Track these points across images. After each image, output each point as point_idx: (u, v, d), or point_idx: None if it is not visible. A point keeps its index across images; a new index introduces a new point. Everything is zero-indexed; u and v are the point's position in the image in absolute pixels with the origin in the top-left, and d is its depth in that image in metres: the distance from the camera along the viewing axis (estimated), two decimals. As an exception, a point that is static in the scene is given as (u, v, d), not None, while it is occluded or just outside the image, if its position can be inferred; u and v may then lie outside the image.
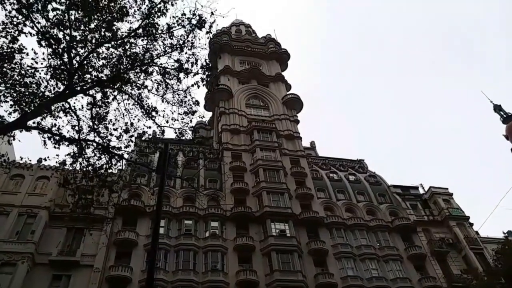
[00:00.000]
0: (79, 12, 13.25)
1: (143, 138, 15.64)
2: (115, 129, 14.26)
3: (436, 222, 40.45)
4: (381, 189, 44.87)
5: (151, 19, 14.00)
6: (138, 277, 28.85)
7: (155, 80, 14.62)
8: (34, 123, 13.05)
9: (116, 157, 13.86)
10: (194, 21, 14.21)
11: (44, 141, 13.17)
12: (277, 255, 32.98)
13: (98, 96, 14.18)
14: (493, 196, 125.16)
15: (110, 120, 14.37)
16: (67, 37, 13.12)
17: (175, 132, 14.53)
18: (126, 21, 14.08)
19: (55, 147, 13.19)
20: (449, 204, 41.89)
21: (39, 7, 12.78)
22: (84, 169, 13.74)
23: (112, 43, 13.93)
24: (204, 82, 15.01)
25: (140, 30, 14.08)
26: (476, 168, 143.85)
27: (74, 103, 15.82)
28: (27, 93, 13.40)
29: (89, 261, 29.17)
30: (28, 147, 18.87)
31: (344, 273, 33.64)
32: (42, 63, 13.43)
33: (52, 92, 13.65)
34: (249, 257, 33.46)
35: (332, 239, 36.45)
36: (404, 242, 38.00)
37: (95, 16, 13.49)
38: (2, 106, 13.67)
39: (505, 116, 51.96)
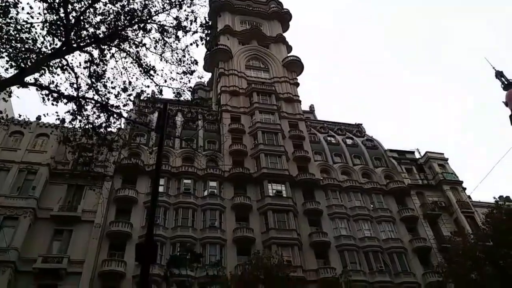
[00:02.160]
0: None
1: (142, 98, 15.63)
2: (113, 88, 14.21)
3: (430, 186, 41.25)
4: (378, 153, 45.37)
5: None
6: (138, 233, 29.72)
7: (154, 38, 14.41)
8: (31, 79, 13.00)
9: (115, 116, 13.92)
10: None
11: (43, 98, 13.17)
12: (273, 214, 33.88)
13: (96, 53, 14.03)
14: (488, 162, 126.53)
15: (108, 78, 14.29)
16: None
17: (174, 92, 14.49)
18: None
19: (53, 104, 13.20)
20: (444, 169, 42.54)
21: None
22: (84, 127, 13.83)
23: (109, -2, 13.59)
24: (204, 42, 14.79)
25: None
26: (474, 134, 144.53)
27: (72, 60, 15.64)
28: (23, 49, 13.26)
29: (90, 217, 29.96)
30: (26, 105, 18.88)
31: (337, 233, 34.71)
32: (38, 18, 13.19)
33: (49, 48, 13.50)
34: (246, 216, 34.38)
35: (327, 200, 37.29)
36: (397, 204, 38.96)
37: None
38: (-2, 62, 13.55)
39: (506, 82, 51.56)
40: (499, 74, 52.07)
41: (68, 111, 13.61)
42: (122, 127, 14.81)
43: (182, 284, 16.37)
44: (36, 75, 13.22)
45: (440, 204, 38.85)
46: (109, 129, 14.10)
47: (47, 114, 16.32)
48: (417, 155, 46.13)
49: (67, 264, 26.82)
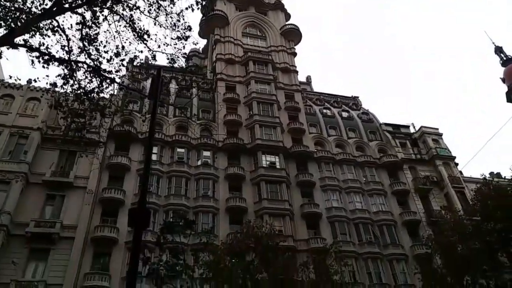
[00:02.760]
0: None
1: (135, 63, 15.21)
2: (106, 52, 13.75)
3: (423, 160, 41.58)
4: (373, 126, 45.37)
5: None
6: (131, 200, 29.79)
7: (148, 0, 13.85)
8: (21, 41, 12.51)
9: (108, 81, 13.56)
10: None
11: (32, 61, 12.72)
12: (266, 185, 34.08)
13: (88, 15, 13.48)
14: (483, 139, 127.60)
15: (101, 42, 13.81)
16: None
17: (168, 58, 14.07)
18: None
19: (43, 66, 12.77)
20: (438, 144, 42.77)
21: None
22: (75, 92, 13.47)
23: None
24: (199, 6, 14.26)
25: None
26: (469, 110, 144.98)
27: (63, 21, 15.07)
28: (12, 8, 12.69)
29: (82, 183, 29.90)
30: (16, 68, 18.33)
31: (329, 204, 35.14)
32: (26, -25, 12.53)
33: (39, 8, 12.93)
34: (239, 186, 34.55)
35: (320, 172, 37.51)
36: (390, 178, 39.36)
37: None
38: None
39: (505, 58, 51.20)
40: (498, 50, 51.65)
41: (59, 75, 13.22)
42: (115, 93, 14.44)
43: (175, 250, 16.57)
44: (26, 36, 12.74)
45: (432, 179, 39.30)
46: (101, 95, 13.78)
47: (38, 78, 15.65)
48: (412, 130, 46.24)
49: (60, 229, 26.95)
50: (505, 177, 33.63)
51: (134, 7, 13.80)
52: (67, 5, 12.92)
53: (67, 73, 13.15)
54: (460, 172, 41.03)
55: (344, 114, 46.07)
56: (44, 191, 28.91)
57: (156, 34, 14.26)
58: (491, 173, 41.29)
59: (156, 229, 27.30)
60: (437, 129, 44.88)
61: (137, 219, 6.73)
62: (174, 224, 13.62)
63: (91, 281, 25.73)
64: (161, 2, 13.81)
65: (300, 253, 29.58)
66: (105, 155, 31.62)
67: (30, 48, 12.68)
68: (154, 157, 32.49)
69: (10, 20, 12.64)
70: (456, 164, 41.50)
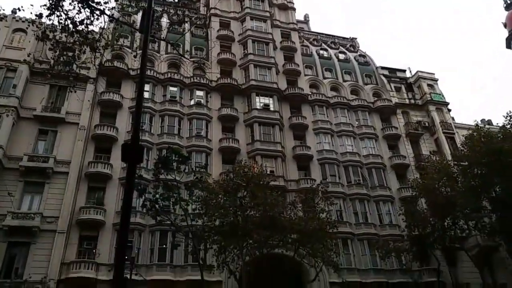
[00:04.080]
0: None
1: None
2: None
3: (416, 105, 41.62)
4: (369, 69, 44.74)
5: None
6: (124, 137, 29.80)
7: None
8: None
9: (97, 12, 12.89)
10: None
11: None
12: (259, 127, 34.16)
13: None
14: (479, 84, 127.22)
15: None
16: None
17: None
18: None
19: (27, -7, 12.04)
20: (433, 89, 42.61)
21: None
22: (63, 24, 12.84)
23: None
24: None
25: None
26: (467, 56, 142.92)
27: None
28: None
29: (74, 119, 29.67)
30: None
31: (320, 147, 35.60)
32: None
33: None
34: (232, 127, 34.60)
35: (314, 115, 37.53)
36: (382, 122, 39.56)
37: None
38: None
39: (509, 2, 49.45)
40: (503, -8, 49.76)
41: (45, 5, 12.51)
42: (105, 26, 13.80)
43: (169, 185, 16.93)
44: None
45: (424, 124, 39.61)
46: (90, 28, 13.18)
47: (22, 7, 14.66)
48: (408, 74, 45.77)
49: (54, 164, 27.15)
50: (497, 123, 34.02)
51: None
52: None
53: (52, 3, 12.45)
54: (452, 118, 41.37)
55: (341, 56, 45.16)
56: (36, 126, 28.73)
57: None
58: (483, 120, 41.75)
59: (150, 167, 27.71)
60: (433, 74, 44.47)
61: (130, 153, 6.72)
62: (169, 158, 13.73)
63: (86, 214, 26.46)
64: None
65: (290, 193, 30.44)
66: (96, 91, 31.13)
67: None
68: (146, 95, 32.08)
69: None
70: (449, 110, 41.70)
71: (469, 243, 31.32)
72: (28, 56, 25.62)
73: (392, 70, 45.83)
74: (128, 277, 19.64)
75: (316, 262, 23.17)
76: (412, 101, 42.08)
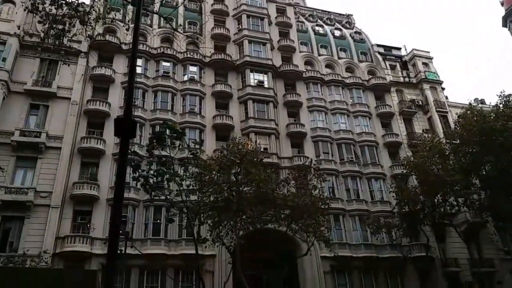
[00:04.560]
0: None
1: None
2: None
3: (410, 84, 41.62)
4: (364, 47, 44.40)
5: None
6: (116, 113, 29.51)
7: None
8: None
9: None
10: None
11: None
12: (254, 104, 34.03)
13: None
14: (474, 64, 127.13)
15: None
16: None
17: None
18: None
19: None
20: (427, 68, 42.55)
21: None
22: (52, -5, 12.47)
23: None
24: None
25: None
26: (463, 35, 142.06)
27: None
28: None
29: (66, 94, 29.31)
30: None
31: (314, 125, 35.64)
32: None
33: None
34: (226, 103, 34.42)
35: (308, 93, 37.40)
36: (376, 100, 39.61)
37: None
38: None
39: (508, -21, 48.83)
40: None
41: (32, -26, 12.12)
42: (96, -2, 13.47)
43: (163, 161, 16.91)
44: None
45: (417, 103, 39.73)
46: (81, 0, 12.85)
47: None
48: (403, 52, 45.52)
49: (46, 139, 26.97)
50: (490, 103, 34.23)
51: None
52: None
53: (40, -27, 12.06)
54: (446, 97, 41.50)
55: (337, 33, 44.65)
56: (27, 101, 28.36)
57: None
58: (476, 99, 41.94)
59: (143, 142, 27.65)
60: (428, 52, 44.32)
61: (123, 127, 6.66)
62: (164, 134, 13.63)
63: (80, 189, 26.50)
64: None
65: (283, 170, 30.66)
66: (88, 66, 30.64)
67: None
68: (138, 70, 31.66)
69: None
70: (443, 89, 41.78)
71: (458, 219, 32.06)
72: (18, 28, 25.04)
73: (388, 48, 45.55)
74: (123, 251, 19.90)
75: (308, 237, 23.59)
76: (407, 79, 42.05)
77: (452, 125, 34.51)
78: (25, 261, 21.42)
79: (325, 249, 27.35)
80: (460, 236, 30.22)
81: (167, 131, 13.73)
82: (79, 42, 27.65)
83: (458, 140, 29.34)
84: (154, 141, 13.28)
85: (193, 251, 20.75)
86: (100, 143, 28.42)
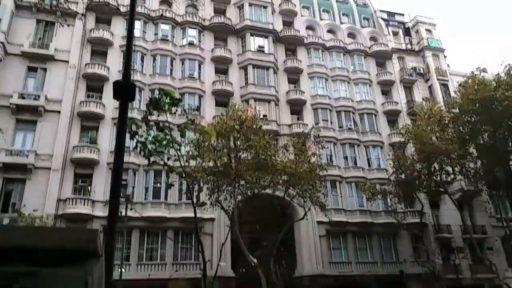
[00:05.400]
0: None
1: None
2: None
3: (412, 51, 41.05)
4: (367, 12, 43.44)
5: None
6: (115, 77, 29.26)
7: None
8: None
9: None
10: None
11: None
12: (254, 69, 33.70)
13: None
14: (477, 32, 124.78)
15: None
16: None
17: None
18: None
19: None
20: (430, 35, 41.82)
21: None
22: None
23: None
24: None
25: None
26: (468, 3, 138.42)
27: None
28: None
29: (64, 57, 28.95)
30: None
31: (314, 92, 35.45)
32: None
33: None
34: (225, 69, 34.08)
35: (309, 59, 36.94)
36: (377, 67, 39.23)
37: None
38: None
39: None
40: None
41: None
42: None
43: (161, 127, 16.91)
44: None
45: (419, 70, 39.36)
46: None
47: None
48: (406, 19, 44.58)
49: (45, 102, 26.90)
50: (492, 72, 33.92)
51: None
52: None
53: None
54: (448, 65, 41.06)
55: (339, -4, 43.50)
56: (25, 63, 28.06)
57: None
58: (478, 68, 41.47)
59: (142, 107, 27.60)
60: (432, 18, 43.39)
61: (122, 90, 6.67)
62: (160, 100, 13.61)
63: (80, 153, 26.73)
64: None
65: (282, 137, 30.82)
66: (85, 28, 30.06)
67: None
68: (137, 33, 31.03)
69: None
70: (445, 57, 41.26)
71: (453, 187, 32.62)
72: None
73: (391, 14, 44.57)
74: (123, 213, 20.36)
75: (305, 202, 24.09)
76: (409, 46, 41.45)
77: (453, 94, 34.39)
78: (26, 221, 21.91)
79: (321, 214, 27.96)
80: (454, 204, 30.84)
81: (164, 98, 13.72)
82: (76, 2, 27.03)
83: (457, 109, 29.34)
84: (151, 107, 13.23)
85: (193, 214, 21.24)
86: (100, 107, 28.38)
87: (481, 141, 30.17)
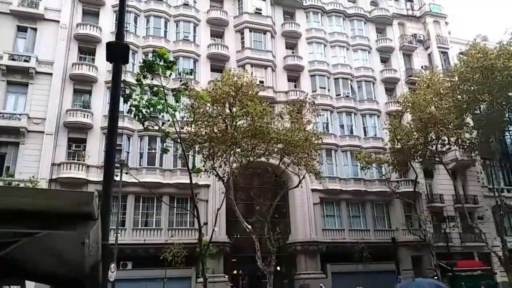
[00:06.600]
0: None
1: None
2: None
3: (413, 17, 40.02)
4: (369, -26, 41.90)
5: None
6: (108, 39, 28.31)
7: None
8: None
9: None
10: None
11: None
12: (250, 33, 32.81)
13: None
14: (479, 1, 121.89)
15: None
16: None
17: None
18: None
19: None
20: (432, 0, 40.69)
21: None
22: None
23: None
24: None
25: None
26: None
27: None
28: None
29: (54, 16, 27.89)
30: None
31: (312, 58, 34.71)
32: None
33: None
34: (221, 32, 33.14)
35: (308, 23, 35.93)
36: (377, 33, 38.32)
37: None
38: None
39: None
40: None
41: None
42: None
43: (154, 91, 16.51)
44: None
45: (419, 38, 38.52)
46: None
47: None
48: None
49: (36, 64, 26.17)
50: (493, 41, 33.22)
51: None
52: None
53: None
54: (449, 32, 40.20)
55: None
56: (14, 23, 27.06)
57: None
58: (479, 36, 40.67)
59: (135, 70, 26.90)
60: (436, -18, 42.00)
61: (115, 51, 6.33)
62: (154, 63, 13.11)
63: (73, 117, 26.29)
64: None
65: (278, 104, 30.40)
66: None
67: None
68: (130, -8, 29.85)
69: None
70: (446, 24, 40.32)
71: (448, 157, 32.74)
72: None
73: (394, -24, 42.98)
74: (118, 178, 20.24)
75: (299, 170, 24.08)
76: (410, 12, 40.37)
77: (452, 62, 33.85)
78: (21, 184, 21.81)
79: (316, 182, 28.07)
80: (448, 173, 31.07)
81: (158, 60, 13.20)
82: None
83: (456, 78, 28.91)
84: (145, 70, 12.80)
85: (188, 181, 21.20)
86: (92, 70, 27.68)
87: (478, 111, 29.99)
